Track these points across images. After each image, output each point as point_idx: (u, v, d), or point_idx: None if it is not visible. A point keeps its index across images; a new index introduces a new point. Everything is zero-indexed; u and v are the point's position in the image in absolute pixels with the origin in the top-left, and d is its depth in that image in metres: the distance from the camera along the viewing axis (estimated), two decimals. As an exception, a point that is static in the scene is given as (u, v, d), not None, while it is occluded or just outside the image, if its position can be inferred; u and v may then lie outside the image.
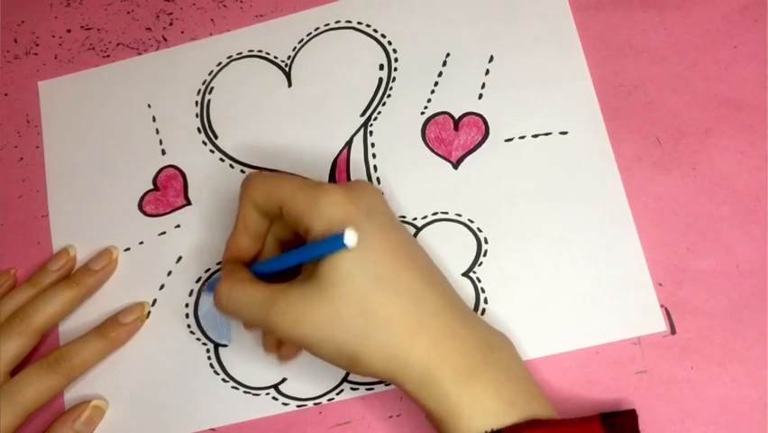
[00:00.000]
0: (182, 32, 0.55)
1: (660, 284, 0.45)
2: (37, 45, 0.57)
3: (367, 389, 0.46)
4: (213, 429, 0.47)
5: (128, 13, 0.57)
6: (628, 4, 0.50)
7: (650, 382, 0.44)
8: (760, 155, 0.46)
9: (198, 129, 0.53)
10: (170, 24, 0.56)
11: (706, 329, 0.44)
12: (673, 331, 0.44)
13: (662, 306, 0.45)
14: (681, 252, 0.45)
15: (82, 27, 0.57)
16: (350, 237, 0.37)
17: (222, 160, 0.52)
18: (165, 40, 0.56)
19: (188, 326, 0.49)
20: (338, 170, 0.50)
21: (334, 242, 0.37)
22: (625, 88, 0.49)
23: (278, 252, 0.45)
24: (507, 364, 0.40)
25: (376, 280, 0.38)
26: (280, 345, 0.45)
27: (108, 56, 0.56)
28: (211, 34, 0.55)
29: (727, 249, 0.45)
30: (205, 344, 0.49)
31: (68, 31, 0.57)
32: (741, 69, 0.48)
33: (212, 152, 0.52)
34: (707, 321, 0.44)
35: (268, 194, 0.42)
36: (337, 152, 0.51)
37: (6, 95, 0.56)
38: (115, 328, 0.48)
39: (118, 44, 0.56)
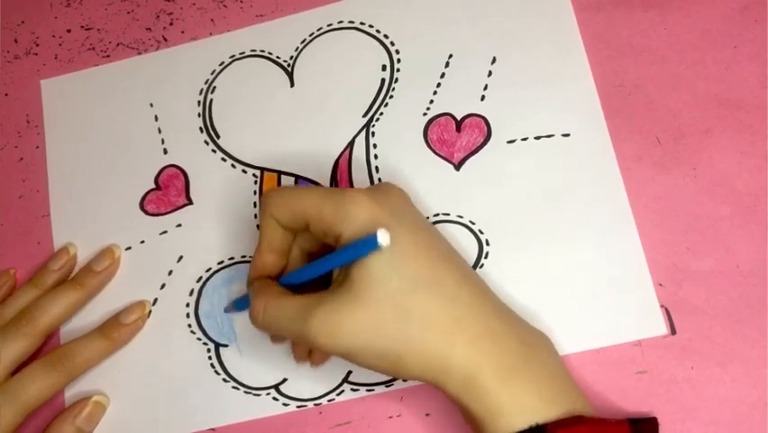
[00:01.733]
0: (182, 32, 0.55)
1: (660, 284, 0.45)
2: (37, 45, 0.57)
3: (367, 390, 0.46)
4: (213, 429, 0.47)
5: (128, 13, 0.57)
6: (628, 3, 0.50)
7: (650, 382, 0.44)
8: (760, 155, 0.46)
9: (200, 129, 0.53)
10: (170, 24, 0.56)
11: (706, 329, 0.44)
12: (673, 331, 0.44)
13: (662, 306, 0.45)
14: (681, 252, 0.46)
15: (82, 27, 0.57)
16: (383, 237, 0.36)
17: (224, 159, 0.52)
18: (165, 40, 0.56)
19: (189, 325, 0.49)
20: (340, 171, 0.50)
21: (367, 243, 0.37)
22: (625, 88, 0.49)
23: (305, 263, 0.45)
24: (547, 363, 0.40)
25: (412, 281, 0.38)
26: (311, 352, 0.45)
27: (108, 56, 0.56)
28: (211, 34, 0.55)
29: (727, 249, 0.45)
30: (205, 343, 0.49)
31: (68, 31, 0.57)
32: (741, 69, 0.48)
33: (214, 151, 0.52)
34: (707, 321, 0.44)
35: (291, 209, 0.41)
36: (339, 152, 0.51)
37: (6, 95, 0.56)
38: (117, 329, 0.48)
39: (118, 44, 0.56)
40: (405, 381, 0.46)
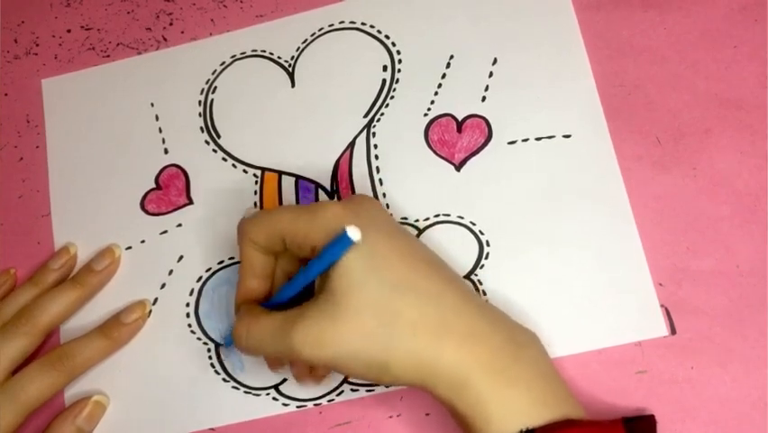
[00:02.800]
0: (182, 32, 0.55)
1: (660, 284, 0.45)
2: (37, 45, 0.57)
3: (367, 390, 0.46)
4: (212, 429, 0.47)
5: (128, 13, 0.57)
6: (628, 3, 0.50)
7: (650, 382, 0.44)
8: (760, 155, 0.47)
9: (201, 128, 0.53)
10: (170, 24, 0.56)
11: (706, 329, 0.44)
12: (673, 331, 0.44)
13: (662, 306, 0.45)
14: (681, 251, 0.46)
15: (82, 27, 0.57)
16: (352, 232, 0.36)
17: (224, 159, 0.52)
18: (165, 40, 0.56)
19: (189, 325, 0.49)
20: (340, 172, 0.50)
21: (339, 243, 0.37)
22: (625, 88, 0.49)
23: None
24: (537, 361, 0.39)
25: (391, 286, 0.38)
26: (311, 369, 0.45)
27: (108, 56, 0.56)
28: (211, 34, 0.55)
29: (727, 249, 0.45)
30: (206, 343, 0.49)
31: (68, 31, 0.57)
32: (741, 69, 0.48)
33: (214, 151, 0.52)
34: (707, 321, 0.44)
35: (267, 231, 0.41)
36: (340, 152, 0.51)
37: (6, 95, 0.56)
38: (118, 328, 0.48)
39: (118, 44, 0.56)
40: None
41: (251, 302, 0.44)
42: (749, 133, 0.47)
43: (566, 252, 0.46)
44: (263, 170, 0.51)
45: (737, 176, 0.46)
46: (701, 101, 0.48)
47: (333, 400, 0.46)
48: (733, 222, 0.46)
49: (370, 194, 0.50)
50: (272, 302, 0.43)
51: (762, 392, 0.43)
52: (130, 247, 0.51)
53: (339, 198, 0.50)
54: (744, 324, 0.44)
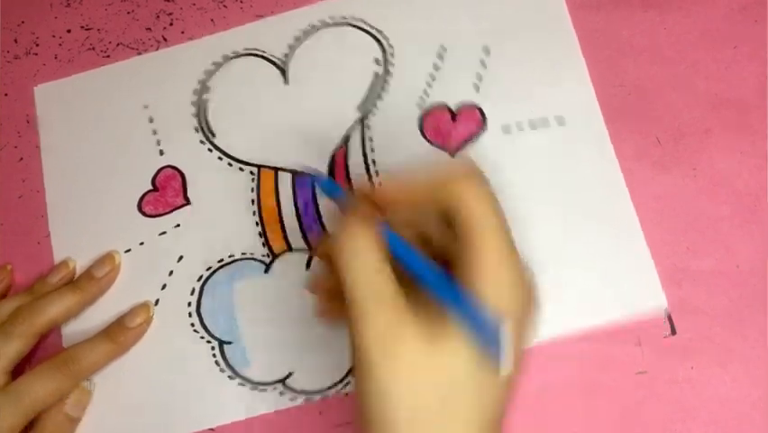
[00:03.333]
0: (182, 32, 0.55)
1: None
2: (37, 45, 0.57)
3: (372, 385, 0.46)
4: (214, 429, 0.47)
5: (128, 13, 0.57)
6: (628, 3, 0.50)
7: (650, 382, 0.44)
8: (760, 155, 0.46)
9: (196, 128, 0.53)
10: (170, 24, 0.56)
11: (706, 329, 0.44)
12: (673, 331, 0.44)
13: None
14: (681, 251, 0.46)
15: (82, 27, 0.57)
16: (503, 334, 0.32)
17: (220, 158, 0.52)
18: (165, 40, 0.55)
19: (192, 324, 0.49)
20: (337, 166, 0.50)
21: (489, 332, 0.33)
22: (625, 88, 0.49)
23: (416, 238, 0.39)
24: None
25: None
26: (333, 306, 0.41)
27: (108, 56, 0.56)
28: (211, 34, 0.55)
29: (727, 249, 0.45)
30: (209, 341, 0.49)
31: (68, 31, 0.57)
32: (741, 69, 0.48)
33: (210, 150, 0.52)
34: (707, 321, 0.44)
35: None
36: (335, 147, 0.51)
37: (6, 95, 0.56)
38: (123, 332, 0.48)
39: (118, 44, 0.56)
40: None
41: (374, 216, 0.36)
42: (749, 133, 0.47)
43: (566, 252, 0.46)
44: (259, 167, 0.51)
45: (737, 176, 0.46)
46: (701, 101, 0.48)
47: (340, 391, 0.46)
48: (733, 222, 0.46)
49: (367, 187, 0.49)
50: (392, 246, 0.36)
51: (762, 392, 0.43)
52: (129, 250, 0.51)
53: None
54: (744, 324, 0.44)
